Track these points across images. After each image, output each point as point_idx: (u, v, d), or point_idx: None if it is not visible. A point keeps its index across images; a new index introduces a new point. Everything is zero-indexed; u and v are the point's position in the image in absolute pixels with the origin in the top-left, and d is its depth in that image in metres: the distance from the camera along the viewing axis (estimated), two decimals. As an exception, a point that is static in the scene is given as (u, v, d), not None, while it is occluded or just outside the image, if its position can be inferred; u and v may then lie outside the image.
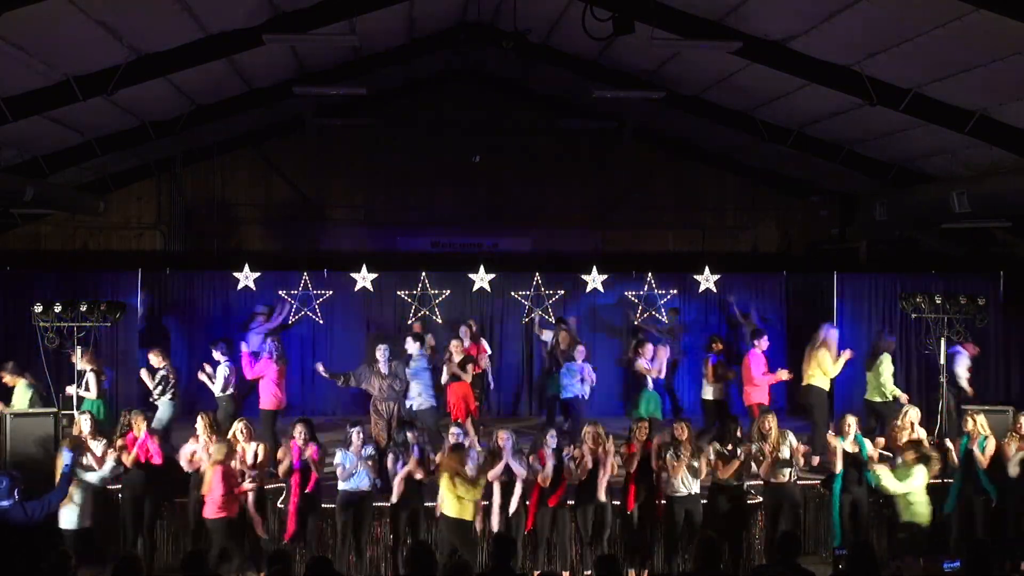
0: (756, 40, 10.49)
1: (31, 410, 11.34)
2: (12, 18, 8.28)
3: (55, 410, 11.33)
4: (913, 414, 10.77)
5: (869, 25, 9.35)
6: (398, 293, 15.23)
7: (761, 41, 10.53)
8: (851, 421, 10.41)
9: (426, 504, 10.02)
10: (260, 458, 10.03)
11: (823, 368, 12.32)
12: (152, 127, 13.30)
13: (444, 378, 12.33)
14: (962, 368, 12.77)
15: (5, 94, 10.16)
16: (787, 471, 10.05)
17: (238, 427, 10.16)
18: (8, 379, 11.93)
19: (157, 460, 10.13)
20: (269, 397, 12.04)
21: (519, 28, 10.83)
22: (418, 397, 11.86)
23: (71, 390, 11.86)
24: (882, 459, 10.17)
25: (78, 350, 11.74)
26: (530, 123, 17.16)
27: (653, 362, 12.73)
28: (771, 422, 10.15)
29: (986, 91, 10.02)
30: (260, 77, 13.02)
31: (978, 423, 10.58)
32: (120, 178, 16.31)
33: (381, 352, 11.73)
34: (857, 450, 10.15)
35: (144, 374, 11.99)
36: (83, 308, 11.56)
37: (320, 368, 11.97)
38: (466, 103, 16.99)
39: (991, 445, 10.43)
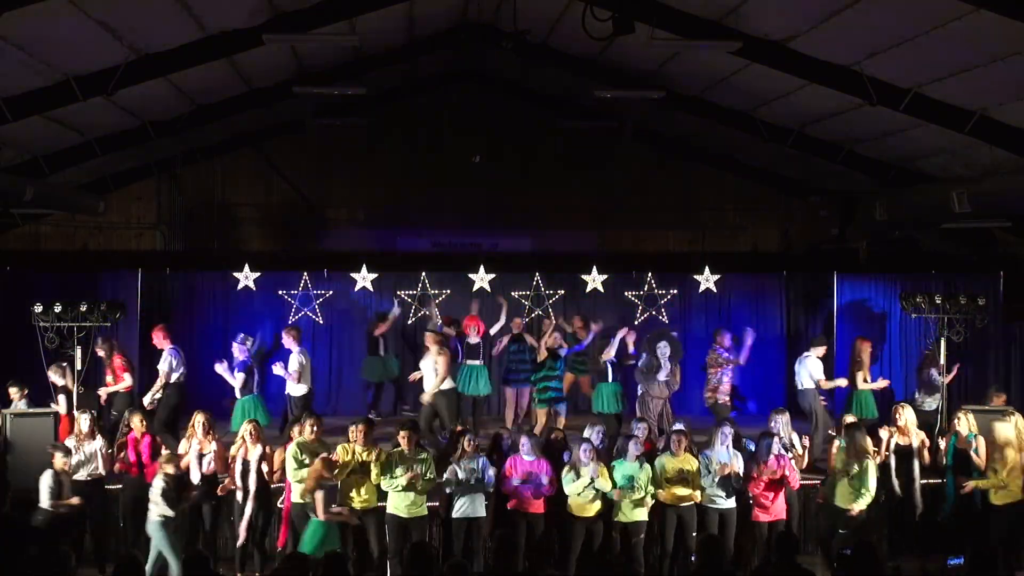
0: (756, 40, 10.48)
1: (31, 410, 11.34)
2: (12, 18, 8.28)
3: (55, 410, 11.33)
4: (908, 414, 10.79)
5: (869, 25, 9.34)
6: (398, 293, 15.23)
7: (761, 41, 10.52)
8: (849, 420, 10.49)
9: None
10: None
11: None
12: (152, 127, 13.28)
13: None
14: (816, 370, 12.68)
15: (5, 94, 10.15)
16: None
17: (247, 428, 10.16)
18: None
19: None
20: None
21: (519, 28, 10.82)
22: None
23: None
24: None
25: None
26: (530, 123, 17.17)
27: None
28: None
29: (986, 91, 10.01)
30: (260, 77, 13.01)
31: (968, 422, 10.61)
32: (120, 178, 16.28)
33: (661, 349, 12.08)
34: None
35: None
36: (83, 308, 11.57)
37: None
38: (466, 103, 17.00)
39: (981, 444, 10.46)
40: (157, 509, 9.43)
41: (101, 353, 12.18)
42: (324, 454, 9.67)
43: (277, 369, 12.43)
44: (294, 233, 17.15)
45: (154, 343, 12.48)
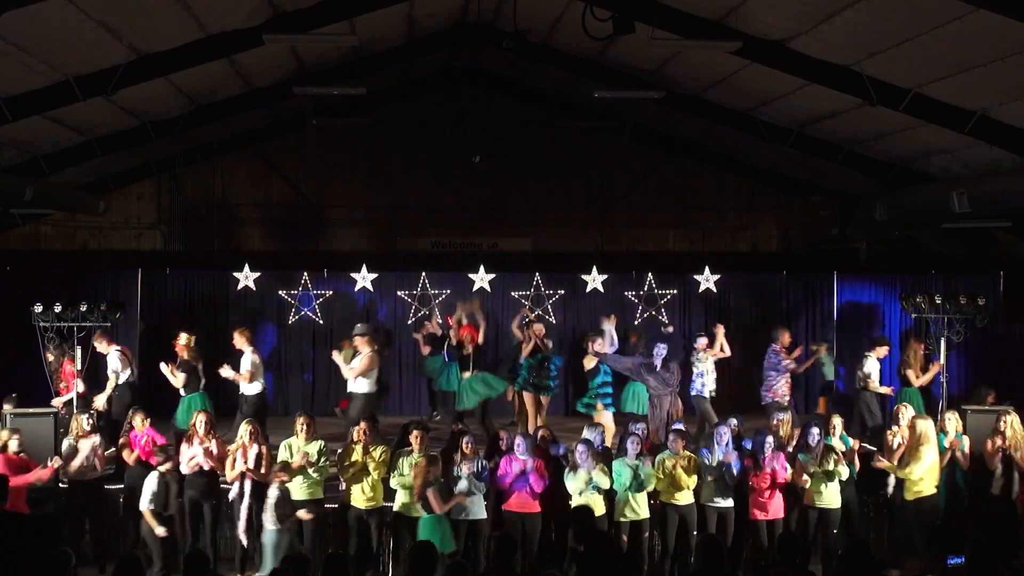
0: (756, 40, 10.49)
1: (31, 410, 11.33)
2: (12, 18, 8.29)
3: (55, 410, 11.33)
4: (909, 415, 10.78)
5: (869, 25, 9.34)
6: (398, 293, 15.23)
7: (761, 41, 10.53)
8: (836, 422, 10.52)
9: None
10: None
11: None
12: (152, 127, 13.30)
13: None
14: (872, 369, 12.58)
15: (5, 94, 10.16)
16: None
17: (246, 429, 10.10)
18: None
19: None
20: None
21: (519, 28, 10.82)
22: None
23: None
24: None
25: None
26: (530, 123, 17.19)
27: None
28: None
29: (986, 91, 10.01)
30: (260, 77, 13.02)
31: (956, 422, 10.62)
32: (120, 178, 16.31)
33: (658, 350, 11.90)
34: (843, 449, 10.25)
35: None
36: (83, 308, 11.56)
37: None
38: (466, 103, 17.01)
39: (967, 444, 10.49)
40: (269, 518, 9.25)
41: (51, 358, 11.88)
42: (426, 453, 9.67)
43: (224, 371, 12.06)
44: (294, 233, 17.17)
45: (98, 349, 12.11)
